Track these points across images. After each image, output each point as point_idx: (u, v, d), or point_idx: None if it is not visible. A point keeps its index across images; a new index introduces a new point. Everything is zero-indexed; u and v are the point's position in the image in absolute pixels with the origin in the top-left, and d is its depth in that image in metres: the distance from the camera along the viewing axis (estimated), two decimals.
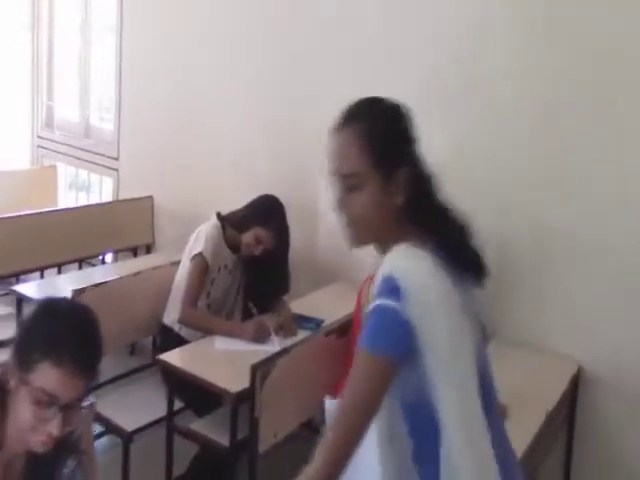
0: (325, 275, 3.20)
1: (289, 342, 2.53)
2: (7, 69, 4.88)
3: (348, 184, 1.30)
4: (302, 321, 2.77)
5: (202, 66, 3.67)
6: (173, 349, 2.56)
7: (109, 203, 4.08)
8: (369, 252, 2.24)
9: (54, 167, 4.54)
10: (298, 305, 2.89)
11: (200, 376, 2.29)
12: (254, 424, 2.13)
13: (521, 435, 2.03)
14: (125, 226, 3.89)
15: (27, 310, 1.33)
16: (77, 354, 1.23)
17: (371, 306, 1.25)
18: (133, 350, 3.91)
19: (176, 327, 2.80)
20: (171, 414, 2.43)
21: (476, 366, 1.28)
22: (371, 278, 2.40)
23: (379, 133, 1.30)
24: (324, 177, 1.37)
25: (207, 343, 2.58)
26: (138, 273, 2.91)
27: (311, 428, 2.51)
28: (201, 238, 2.80)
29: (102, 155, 4.25)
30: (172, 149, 3.86)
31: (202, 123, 3.68)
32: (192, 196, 3.76)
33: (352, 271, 2.98)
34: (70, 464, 1.39)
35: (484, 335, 1.38)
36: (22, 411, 1.25)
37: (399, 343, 1.22)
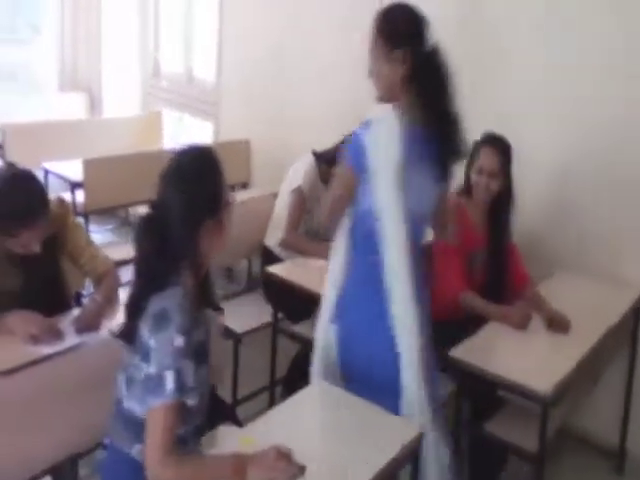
0: None
1: None
2: (118, 25, 5.36)
3: (370, 55, 1.99)
4: None
5: (299, 21, 3.98)
6: None
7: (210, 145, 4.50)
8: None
9: (159, 113, 5.01)
10: None
11: (302, 285, 2.68)
12: None
13: (581, 344, 2.28)
14: (223, 165, 4.30)
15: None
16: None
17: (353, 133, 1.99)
18: (230, 278, 4.40)
19: (276, 250, 3.21)
20: (276, 318, 2.85)
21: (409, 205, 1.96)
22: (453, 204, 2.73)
23: (386, 20, 1.96)
24: None
25: (305, 262, 2.97)
26: (244, 202, 3.32)
27: None
28: (299, 173, 3.19)
29: (204, 102, 4.68)
30: (268, 96, 4.22)
31: (295, 74, 4.02)
32: (285, 140, 4.13)
33: None
34: None
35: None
36: (222, 236, 1.66)
37: (360, 160, 1.94)
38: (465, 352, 2.20)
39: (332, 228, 2.09)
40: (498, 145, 2.65)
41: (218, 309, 1.86)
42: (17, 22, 6.25)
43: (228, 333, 2.94)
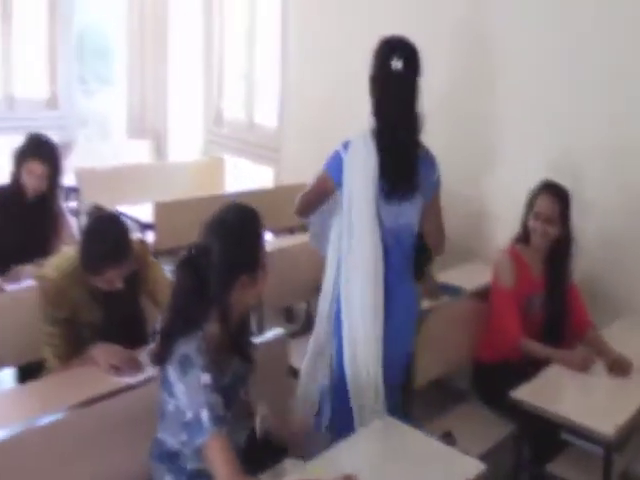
0: (460, 255, 3.54)
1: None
2: (184, 76, 5.67)
3: None
4: (444, 288, 3.17)
5: (362, 65, 4.09)
6: None
7: (271, 189, 4.68)
8: (504, 236, 2.64)
9: (222, 159, 5.23)
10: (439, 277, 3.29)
11: None
12: (411, 364, 2.56)
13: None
14: (284, 209, 4.44)
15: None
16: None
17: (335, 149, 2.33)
18: (289, 318, 4.50)
19: None
20: None
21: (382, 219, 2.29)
22: (505, 251, 2.79)
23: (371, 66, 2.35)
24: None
25: None
26: (303, 244, 3.44)
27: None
28: None
29: (265, 147, 4.88)
30: (329, 141, 4.35)
31: (357, 119, 4.13)
32: None
33: (484, 251, 3.36)
34: None
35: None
36: (255, 294, 1.76)
37: (337, 170, 2.30)
38: (527, 393, 2.23)
39: (304, 216, 2.49)
40: (555, 192, 2.71)
41: (249, 360, 1.88)
42: (87, 75, 6.68)
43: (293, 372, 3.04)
